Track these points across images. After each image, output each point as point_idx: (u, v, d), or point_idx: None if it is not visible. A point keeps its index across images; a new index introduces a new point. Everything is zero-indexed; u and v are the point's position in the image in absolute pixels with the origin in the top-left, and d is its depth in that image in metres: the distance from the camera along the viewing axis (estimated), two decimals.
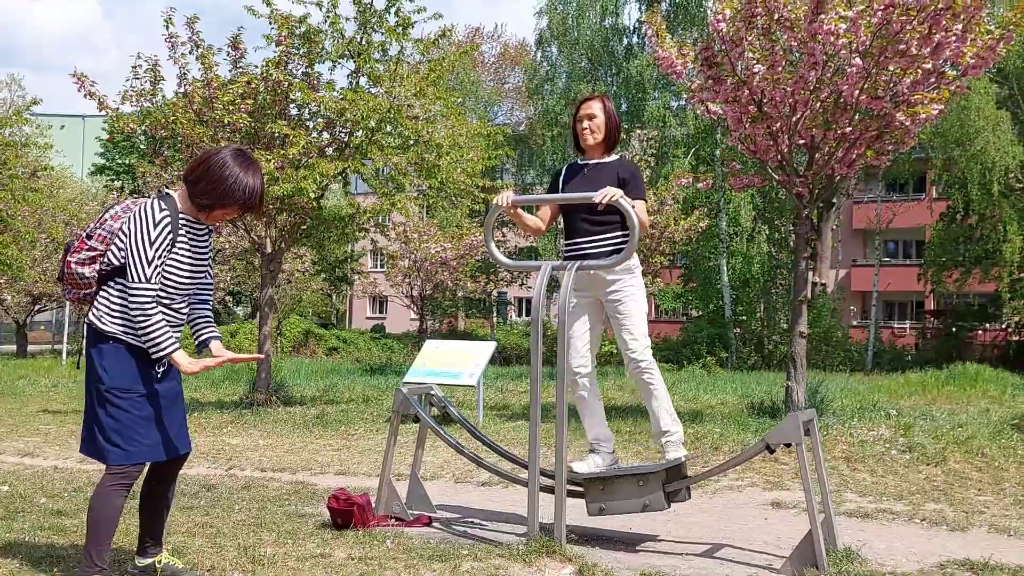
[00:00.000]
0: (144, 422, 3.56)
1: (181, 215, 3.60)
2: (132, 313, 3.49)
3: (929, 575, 4.08)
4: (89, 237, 3.67)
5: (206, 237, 3.74)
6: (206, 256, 3.76)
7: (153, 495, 3.82)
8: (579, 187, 4.89)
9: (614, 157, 5.01)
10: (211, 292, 3.90)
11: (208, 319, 3.87)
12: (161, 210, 3.53)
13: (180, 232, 3.59)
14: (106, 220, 3.67)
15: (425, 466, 7.07)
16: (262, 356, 3.82)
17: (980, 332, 32.47)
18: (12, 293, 27.36)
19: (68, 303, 27.80)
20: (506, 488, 6.36)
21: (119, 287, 3.57)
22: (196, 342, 3.85)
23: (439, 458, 7.71)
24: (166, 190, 3.68)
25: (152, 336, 3.49)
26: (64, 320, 29.05)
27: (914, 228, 35.61)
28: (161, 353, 3.52)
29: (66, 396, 14.08)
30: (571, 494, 4.67)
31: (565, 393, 4.65)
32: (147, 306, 3.48)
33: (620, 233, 4.80)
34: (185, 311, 3.74)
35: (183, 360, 3.55)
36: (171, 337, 3.53)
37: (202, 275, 3.76)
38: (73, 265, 3.66)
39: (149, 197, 3.66)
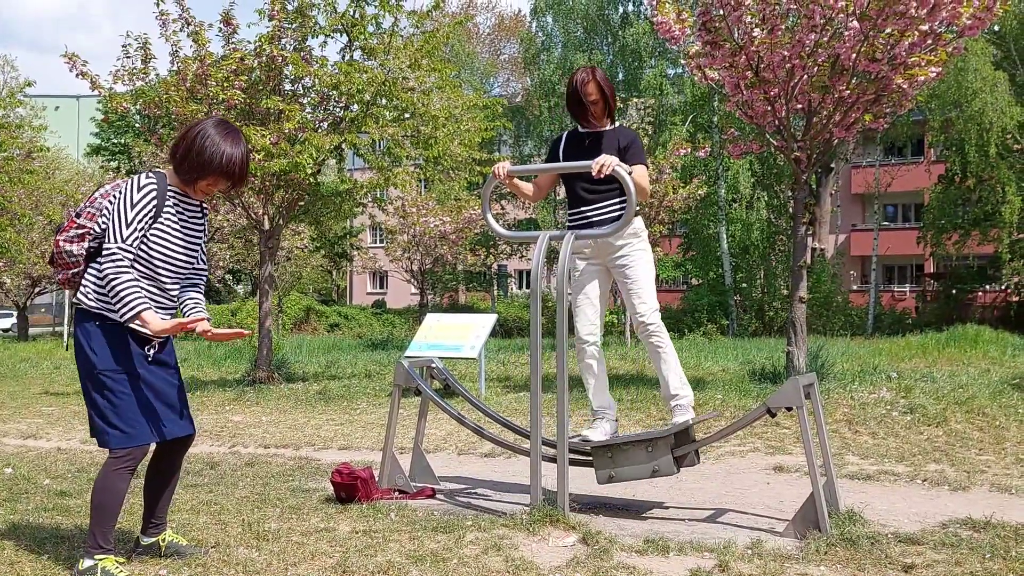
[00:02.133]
0: (141, 403, 3.52)
1: (170, 187, 3.58)
2: (103, 271, 3.40)
3: (931, 535, 4.09)
4: (79, 215, 3.64)
5: (199, 216, 3.71)
6: (199, 237, 3.72)
7: (158, 477, 3.81)
8: (580, 156, 4.87)
9: (613, 125, 5.00)
10: (203, 277, 3.85)
11: (197, 300, 3.79)
12: (147, 179, 3.52)
13: (168, 203, 3.55)
14: (96, 199, 3.64)
15: (428, 439, 7.09)
16: (248, 332, 3.79)
17: (980, 294, 32.50)
18: (11, 276, 27.35)
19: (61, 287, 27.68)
20: (509, 459, 6.38)
21: None
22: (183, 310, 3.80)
23: (442, 430, 7.73)
24: (157, 168, 3.64)
25: (120, 293, 3.37)
26: (64, 302, 29.07)
27: (913, 191, 35.57)
28: (129, 312, 3.38)
29: (68, 378, 14.11)
30: (573, 463, 4.68)
31: (565, 362, 4.64)
32: (120, 264, 3.39)
33: (619, 200, 4.81)
34: (176, 295, 3.69)
35: (152, 319, 3.42)
36: (141, 296, 3.41)
37: (195, 257, 3.71)
38: (61, 243, 3.62)
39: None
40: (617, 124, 5.04)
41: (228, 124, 3.63)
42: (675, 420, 4.75)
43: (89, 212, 3.62)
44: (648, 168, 4.99)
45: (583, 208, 4.88)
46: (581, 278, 4.92)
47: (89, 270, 3.59)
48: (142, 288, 3.47)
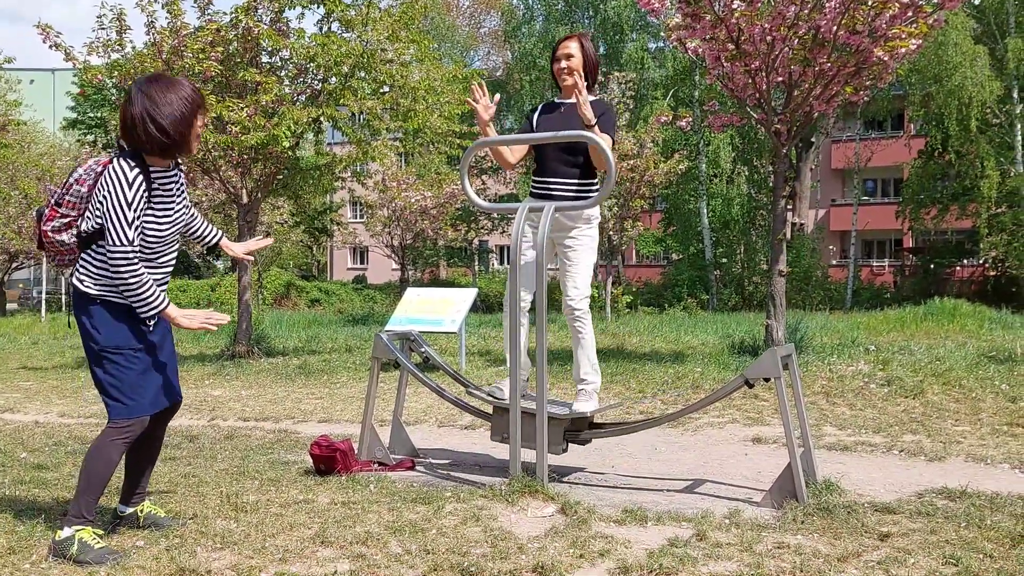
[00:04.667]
0: (142, 376, 3.54)
1: (150, 168, 3.53)
2: (117, 277, 3.41)
3: (907, 504, 4.12)
4: (59, 204, 3.59)
5: (176, 182, 3.67)
6: (183, 199, 3.71)
7: (141, 445, 3.79)
8: (554, 126, 4.87)
9: (591, 97, 4.98)
10: (196, 217, 3.92)
11: (207, 225, 3.95)
12: (132, 168, 3.45)
13: (154, 187, 3.52)
14: (72, 185, 3.58)
15: (408, 411, 7.09)
16: (271, 240, 3.95)
17: (958, 268, 32.75)
18: None
19: (46, 263, 27.65)
20: (488, 431, 6.37)
21: (100, 251, 3.50)
22: (207, 248, 3.98)
23: (422, 403, 7.73)
24: (123, 143, 3.56)
25: (142, 297, 3.44)
26: (42, 277, 28.79)
27: (892, 166, 35.69)
28: (152, 312, 3.47)
29: (46, 352, 14.01)
30: (474, 413, 4.71)
31: (545, 336, 4.64)
32: (133, 267, 3.41)
33: (586, 179, 4.86)
34: (172, 263, 3.69)
35: (176, 314, 3.51)
36: (160, 294, 3.49)
37: (182, 222, 3.70)
38: (50, 234, 3.60)
39: (112, 156, 3.56)
40: (596, 96, 5.03)
41: (155, 79, 3.56)
42: (577, 404, 4.85)
43: (69, 201, 3.58)
44: (615, 143, 4.99)
45: (549, 179, 4.87)
46: (528, 248, 4.89)
47: (84, 256, 3.56)
48: (153, 281, 3.50)
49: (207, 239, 3.98)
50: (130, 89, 3.54)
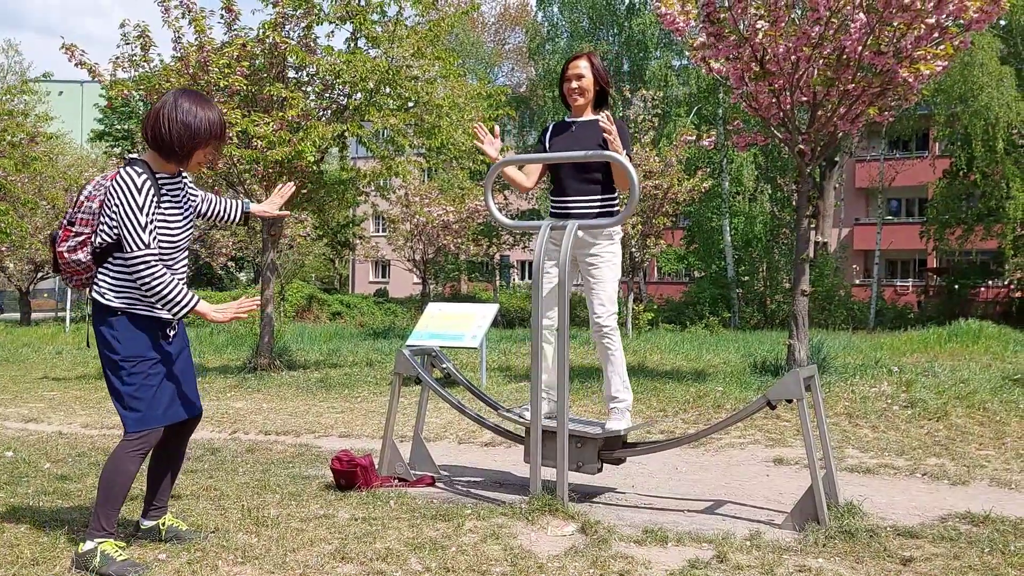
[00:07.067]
0: (159, 387, 3.58)
1: (157, 174, 3.58)
2: (141, 281, 3.44)
3: (930, 528, 4.08)
4: (71, 223, 3.63)
5: (180, 189, 3.72)
6: (189, 207, 3.74)
7: (163, 458, 3.84)
8: (566, 145, 4.89)
9: (600, 115, 4.99)
10: (213, 202, 4.04)
11: (227, 203, 4.09)
12: (139, 174, 3.50)
13: (161, 191, 3.57)
14: (83, 203, 3.63)
15: (428, 427, 7.09)
16: (292, 186, 4.12)
17: (982, 289, 32.43)
18: (14, 261, 27.36)
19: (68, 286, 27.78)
20: (509, 448, 6.38)
21: (119, 262, 3.54)
22: (239, 216, 4.12)
23: (442, 419, 7.74)
24: (131, 155, 3.64)
25: (169, 297, 3.45)
26: (67, 288, 29.06)
27: (917, 186, 35.45)
28: (183, 310, 3.47)
29: (70, 363, 14.13)
30: (508, 436, 4.69)
31: (567, 352, 4.64)
32: (154, 269, 3.44)
33: (605, 196, 4.87)
34: (185, 268, 3.73)
35: (208, 310, 3.53)
36: (188, 292, 3.50)
37: (190, 223, 3.74)
38: (66, 255, 3.64)
39: (119, 168, 3.62)
40: (605, 113, 5.03)
41: (193, 92, 3.66)
42: (609, 423, 4.82)
43: (81, 218, 3.62)
44: (632, 160, 4.98)
45: (566, 198, 4.89)
46: (549, 268, 4.91)
47: (102, 270, 3.60)
48: (177, 280, 3.53)
49: (233, 217, 4.09)
50: (169, 91, 3.64)
